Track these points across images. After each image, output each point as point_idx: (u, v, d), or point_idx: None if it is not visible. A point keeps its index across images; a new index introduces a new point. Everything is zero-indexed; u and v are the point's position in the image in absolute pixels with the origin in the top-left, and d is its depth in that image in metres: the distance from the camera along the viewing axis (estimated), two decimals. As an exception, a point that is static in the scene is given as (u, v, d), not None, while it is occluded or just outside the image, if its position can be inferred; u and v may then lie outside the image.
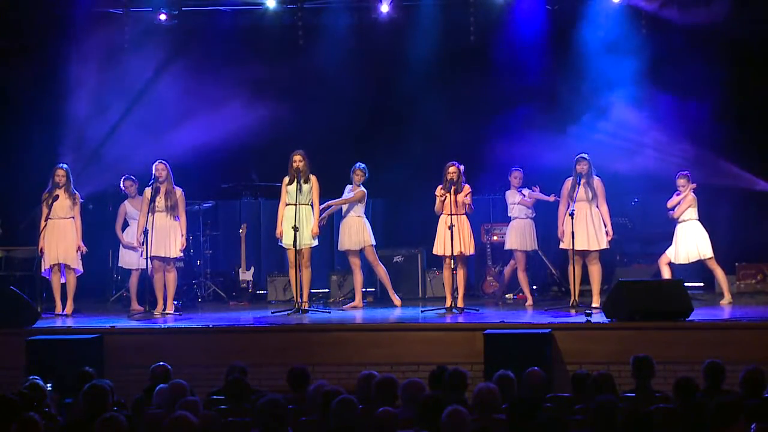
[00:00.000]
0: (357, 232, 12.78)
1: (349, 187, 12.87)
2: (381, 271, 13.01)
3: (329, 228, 14.30)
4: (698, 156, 13.94)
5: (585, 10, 14.20)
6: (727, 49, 13.94)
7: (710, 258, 12.41)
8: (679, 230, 12.47)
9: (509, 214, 13.01)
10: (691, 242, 12.40)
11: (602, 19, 14.16)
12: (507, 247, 13.06)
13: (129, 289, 13.13)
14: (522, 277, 12.96)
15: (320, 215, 12.51)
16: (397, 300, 12.98)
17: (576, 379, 7.84)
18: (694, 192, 12.50)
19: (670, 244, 12.60)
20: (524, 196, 12.89)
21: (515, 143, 14.49)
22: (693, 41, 13.84)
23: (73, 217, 12.45)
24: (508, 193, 13.06)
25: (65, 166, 12.57)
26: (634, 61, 13.96)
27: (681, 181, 12.51)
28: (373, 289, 14.06)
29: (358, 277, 12.97)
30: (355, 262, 12.89)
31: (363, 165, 12.89)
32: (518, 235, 12.88)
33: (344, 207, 12.87)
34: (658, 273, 12.73)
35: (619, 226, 12.98)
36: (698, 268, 13.10)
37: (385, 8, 14.37)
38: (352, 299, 13.20)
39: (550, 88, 14.53)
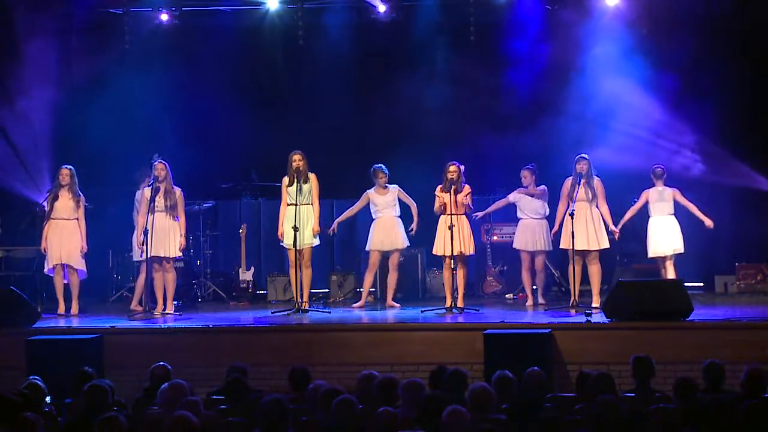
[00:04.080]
0: (396, 233, 12.78)
1: (371, 190, 12.82)
2: (395, 276, 12.98)
3: (329, 228, 14.29)
4: (709, 154, 13.98)
5: (584, 9, 14.21)
6: (734, 45, 13.97)
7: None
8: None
9: (517, 214, 13.04)
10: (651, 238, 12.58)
11: (601, 18, 14.18)
12: (514, 245, 13.08)
13: (135, 288, 13.01)
14: (525, 277, 12.97)
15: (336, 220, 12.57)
16: (395, 306, 12.94)
17: (580, 379, 7.83)
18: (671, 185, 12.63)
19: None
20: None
21: (516, 142, 14.50)
22: (694, 40, 13.85)
23: (77, 219, 12.46)
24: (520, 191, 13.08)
25: (69, 166, 12.57)
26: (635, 59, 13.97)
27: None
28: (373, 290, 14.06)
29: (370, 279, 12.93)
30: (376, 263, 12.85)
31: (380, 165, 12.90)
32: (523, 234, 12.89)
33: (378, 207, 12.81)
34: (658, 272, 12.78)
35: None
36: (698, 268, 13.10)
37: (382, 8, 14.38)
38: (352, 299, 13.21)
39: (551, 87, 14.52)
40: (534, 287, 13.22)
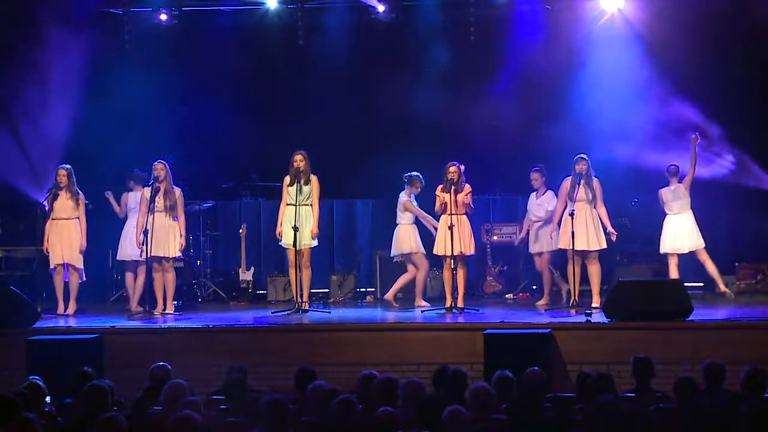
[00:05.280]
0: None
1: (411, 196, 12.80)
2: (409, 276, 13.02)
3: (329, 228, 14.30)
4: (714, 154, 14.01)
5: (584, 9, 14.23)
6: (736, 44, 13.97)
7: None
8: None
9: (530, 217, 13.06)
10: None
11: (601, 17, 14.19)
12: (529, 250, 13.14)
13: (127, 289, 13.06)
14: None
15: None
16: (392, 299, 12.94)
17: (580, 379, 7.83)
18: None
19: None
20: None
21: (517, 141, 14.51)
22: (696, 39, 13.84)
23: (78, 218, 12.46)
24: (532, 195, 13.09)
25: (67, 166, 12.58)
26: (636, 58, 13.97)
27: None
28: (373, 289, 14.06)
29: (419, 277, 12.92)
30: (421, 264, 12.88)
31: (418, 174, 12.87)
32: (533, 237, 12.91)
33: (407, 214, 12.78)
34: (658, 272, 12.80)
35: (619, 226, 13.01)
36: (698, 268, 13.09)
37: (381, 8, 14.40)
38: (352, 299, 13.20)
39: (551, 86, 14.51)
40: (534, 287, 13.24)
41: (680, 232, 12.66)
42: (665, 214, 12.81)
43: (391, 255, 12.97)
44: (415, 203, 12.79)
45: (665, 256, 12.84)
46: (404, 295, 13.39)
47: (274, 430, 6.09)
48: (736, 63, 14.12)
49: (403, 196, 12.81)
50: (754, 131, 14.35)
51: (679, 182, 12.79)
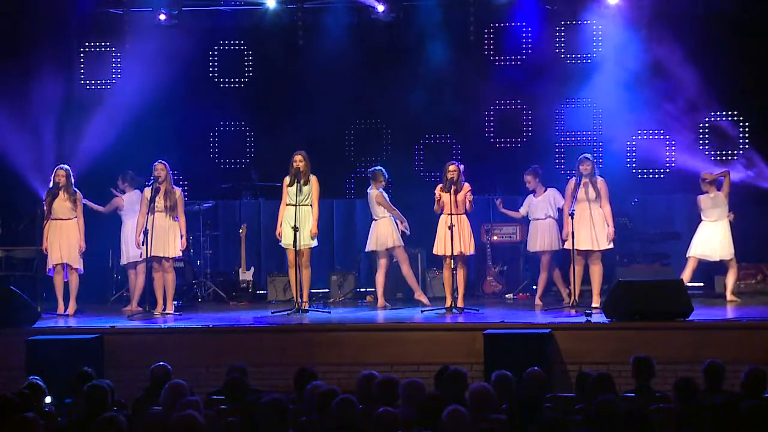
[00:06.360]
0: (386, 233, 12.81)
1: (380, 189, 12.78)
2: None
3: (329, 228, 14.30)
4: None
5: (584, 9, 14.23)
6: (736, 38, 13.96)
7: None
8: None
9: (529, 217, 13.06)
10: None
11: (601, 17, 14.19)
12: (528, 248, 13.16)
13: (129, 289, 13.06)
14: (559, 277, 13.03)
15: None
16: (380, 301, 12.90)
17: (580, 379, 7.83)
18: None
19: (670, 244, 12.73)
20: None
21: (517, 141, 14.50)
22: (696, 37, 13.84)
23: (76, 218, 12.46)
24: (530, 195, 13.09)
25: (66, 166, 12.58)
26: (636, 57, 13.96)
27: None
28: (373, 289, 14.05)
29: (406, 270, 12.92)
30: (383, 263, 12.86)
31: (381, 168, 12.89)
32: (532, 236, 12.91)
33: (381, 207, 12.77)
34: (658, 272, 12.78)
35: (619, 226, 13.00)
36: (698, 268, 13.09)
37: (380, 8, 14.41)
38: (352, 299, 13.20)
39: (551, 86, 14.51)
40: (534, 287, 13.23)
41: (713, 240, 12.57)
42: (700, 220, 12.73)
43: (367, 249, 12.93)
44: (386, 197, 12.79)
45: (666, 256, 12.82)
46: (404, 294, 13.40)
47: (274, 430, 6.09)
48: (742, 58, 14.10)
49: (372, 191, 12.81)
50: (763, 128, 14.34)
51: (718, 190, 12.71)
